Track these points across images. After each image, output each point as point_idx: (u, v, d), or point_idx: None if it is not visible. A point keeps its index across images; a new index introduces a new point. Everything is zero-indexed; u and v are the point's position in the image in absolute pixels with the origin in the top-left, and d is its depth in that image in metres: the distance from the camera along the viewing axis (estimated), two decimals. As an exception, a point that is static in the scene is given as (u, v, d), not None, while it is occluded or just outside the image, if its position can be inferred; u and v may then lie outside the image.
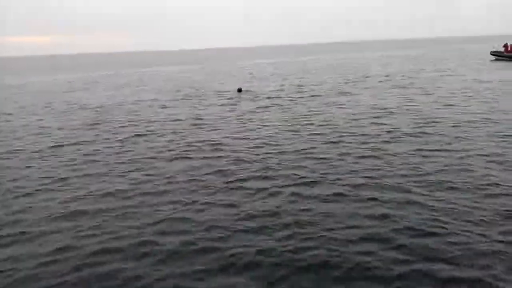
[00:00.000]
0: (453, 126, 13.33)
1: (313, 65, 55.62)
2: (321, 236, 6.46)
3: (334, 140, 12.31)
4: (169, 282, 5.43)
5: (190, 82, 36.15)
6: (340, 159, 10.33)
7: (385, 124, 14.15)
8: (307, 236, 6.47)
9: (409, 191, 8.06)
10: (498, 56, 43.89)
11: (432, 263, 5.57)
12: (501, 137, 11.64)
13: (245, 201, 7.98)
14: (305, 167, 9.87)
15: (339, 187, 8.46)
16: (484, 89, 22.04)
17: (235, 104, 21.08)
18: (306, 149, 11.38)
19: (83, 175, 10.15)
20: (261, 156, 10.91)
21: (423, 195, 7.84)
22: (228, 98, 23.50)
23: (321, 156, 10.67)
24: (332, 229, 6.69)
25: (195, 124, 16.04)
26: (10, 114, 21.48)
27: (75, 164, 11.10)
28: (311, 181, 8.86)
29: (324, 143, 11.98)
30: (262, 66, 58.50)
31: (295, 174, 9.33)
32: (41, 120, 18.98)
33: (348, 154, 10.74)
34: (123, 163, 10.99)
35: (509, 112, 15.29)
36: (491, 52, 45.81)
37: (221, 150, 11.84)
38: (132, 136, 14.28)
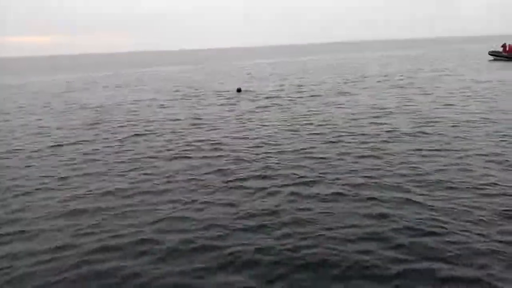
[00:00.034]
0: (452, 126, 13.34)
1: (313, 65, 55.64)
2: (320, 235, 6.47)
3: (333, 139, 12.31)
4: (168, 280, 5.43)
5: (189, 82, 36.17)
6: (339, 159, 10.34)
7: (384, 124, 14.16)
8: (306, 235, 6.47)
9: (408, 191, 8.06)
10: (497, 56, 43.96)
11: (431, 262, 5.58)
12: (500, 137, 11.65)
13: (244, 200, 7.99)
14: (304, 166, 9.88)
15: (338, 187, 8.46)
16: (483, 89, 22.07)
17: (235, 104, 21.09)
18: (305, 149, 11.39)
19: (83, 174, 10.15)
20: (260, 156, 10.91)
21: (422, 194, 7.85)
22: (228, 98, 23.50)
23: (320, 155, 10.67)
24: (331, 228, 6.69)
25: (194, 124, 16.04)
26: (8, 113, 21.49)
27: (75, 164, 11.10)
28: (310, 181, 8.86)
29: (323, 143, 11.98)
30: (261, 66, 58.53)
31: (294, 174, 9.33)
32: (40, 119, 18.99)
33: (347, 153, 10.75)
34: (122, 162, 11.00)
35: (507, 112, 15.31)
36: (490, 52, 45.91)
37: (221, 149, 11.85)
38: (131, 136, 14.29)
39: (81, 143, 13.51)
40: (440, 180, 8.50)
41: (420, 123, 14.02)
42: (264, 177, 9.26)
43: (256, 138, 13.02)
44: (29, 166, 11.06)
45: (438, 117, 14.81)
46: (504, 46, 43.84)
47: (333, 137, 12.66)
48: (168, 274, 5.58)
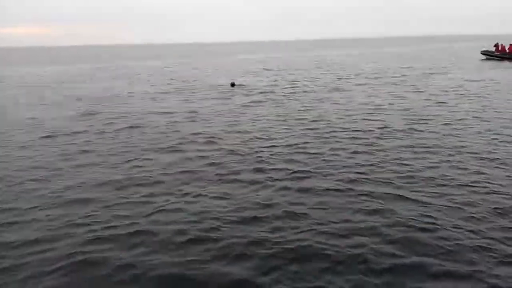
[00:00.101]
0: (445, 124, 13.44)
1: (309, 60, 55.65)
2: (312, 229, 6.51)
3: (326, 135, 12.35)
4: (161, 271, 5.44)
5: (184, 76, 36.06)
6: (332, 154, 10.39)
7: (377, 121, 14.24)
8: (299, 229, 6.51)
9: (400, 187, 8.12)
10: (489, 55, 44.23)
11: (422, 258, 5.63)
12: (492, 135, 11.77)
13: (237, 193, 8.01)
14: (297, 161, 9.91)
15: (331, 182, 8.51)
16: (475, 88, 22.25)
17: (229, 98, 21.06)
18: (298, 144, 11.42)
19: (76, 165, 10.10)
20: (254, 150, 10.93)
21: (414, 191, 7.91)
22: (221, 92, 23.46)
23: (314, 151, 10.71)
24: (324, 222, 6.73)
25: (188, 117, 16.01)
26: (1, 105, 21.30)
27: (68, 155, 11.04)
28: (304, 176, 8.90)
29: (316, 138, 12.02)
30: (257, 61, 58.38)
31: (288, 168, 9.36)
32: (33, 110, 18.84)
33: (341, 149, 10.80)
34: (116, 154, 10.97)
35: (499, 111, 15.46)
36: (482, 51, 46.18)
37: (214, 143, 11.85)
38: (125, 128, 14.24)
39: (74, 134, 13.44)
40: (432, 177, 8.57)
41: (413, 120, 14.10)
42: (258, 171, 9.28)
43: (250, 132, 13.04)
44: (22, 156, 10.99)
45: (431, 115, 14.91)
46: (496, 45, 44.13)
47: (326, 132, 12.72)
48: (162, 265, 5.59)
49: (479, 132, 12.17)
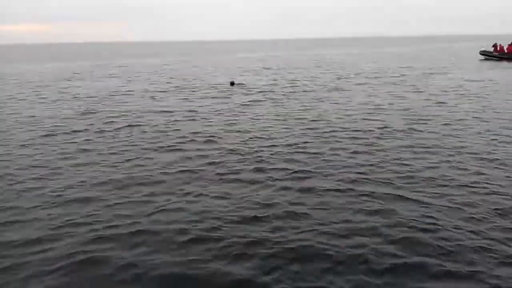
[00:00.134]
0: (445, 124, 13.46)
1: (308, 59, 55.64)
2: (313, 228, 6.52)
3: (326, 135, 12.37)
4: (163, 270, 5.45)
5: (183, 74, 36.02)
6: (332, 154, 10.40)
7: (377, 120, 14.26)
8: (300, 228, 6.52)
9: (400, 187, 8.14)
10: (488, 55, 44.27)
11: (423, 258, 5.64)
12: (492, 136, 11.80)
13: (238, 193, 8.01)
14: (297, 161, 9.92)
15: (331, 182, 8.52)
16: (475, 88, 22.29)
17: (228, 97, 21.05)
18: (298, 144, 11.43)
19: (76, 164, 10.09)
20: (254, 149, 10.94)
21: (415, 191, 7.92)
22: (221, 91, 23.45)
23: (314, 150, 10.72)
24: (324, 222, 6.74)
25: (187, 116, 16.01)
26: (3, 103, 21.26)
27: (68, 153, 11.03)
28: (304, 176, 8.91)
29: (316, 138, 12.04)
30: (256, 59, 58.36)
31: (288, 168, 9.37)
32: (32, 109, 18.82)
33: (341, 149, 10.81)
34: (116, 153, 10.97)
35: (499, 111, 15.49)
36: (481, 51, 46.21)
37: (214, 142, 11.85)
38: (125, 126, 14.22)
39: (74, 133, 13.43)
40: (432, 177, 8.59)
41: (413, 120, 14.12)
42: (258, 170, 9.29)
43: (250, 132, 13.05)
44: (21, 155, 10.97)
45: (431, 115, 14.93)
46: (495, 46, 44.17)
47: (326, 131, 12.73)
48: (163, 264, 5.59)
49: (479, 133, 12.20)
